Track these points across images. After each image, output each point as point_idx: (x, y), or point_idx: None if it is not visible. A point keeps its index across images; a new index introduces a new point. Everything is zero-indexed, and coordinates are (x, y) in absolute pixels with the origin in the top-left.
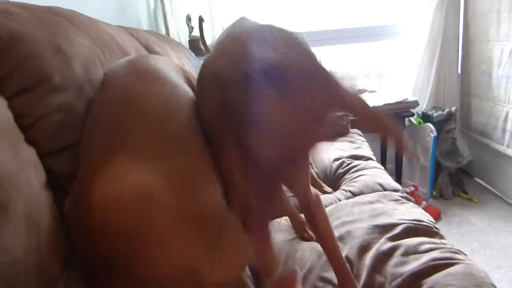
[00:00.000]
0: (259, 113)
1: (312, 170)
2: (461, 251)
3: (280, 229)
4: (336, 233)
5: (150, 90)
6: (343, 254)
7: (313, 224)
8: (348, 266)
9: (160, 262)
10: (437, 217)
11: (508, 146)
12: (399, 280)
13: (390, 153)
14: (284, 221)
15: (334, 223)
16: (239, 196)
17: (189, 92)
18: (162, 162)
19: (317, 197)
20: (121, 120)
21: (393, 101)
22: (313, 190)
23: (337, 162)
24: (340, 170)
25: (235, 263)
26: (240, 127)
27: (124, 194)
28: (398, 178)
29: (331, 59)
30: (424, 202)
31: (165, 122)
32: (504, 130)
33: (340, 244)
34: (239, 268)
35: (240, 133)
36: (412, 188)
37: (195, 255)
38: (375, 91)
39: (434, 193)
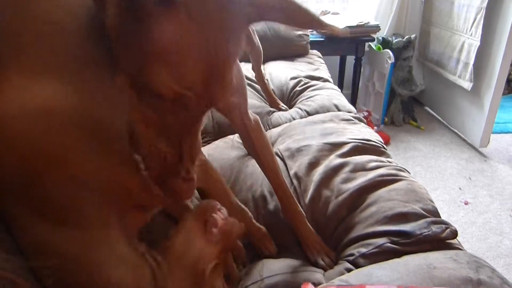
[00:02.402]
0: (160, 37)
1: (269, 87)
2: (405, 169)
3: (233, 146)
4: (287, 151)
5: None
6: (292, 172)
7: (253, 151)
8: (292, 190)
9: (66, 179)
10: (386, 142)
11: (459, 76)
12: (345, 194)
13: (347, 78)
14: (236, 138)
15: (285, 141)
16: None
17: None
18: (63, 75)
19: (257, 123)
20: (12, 29)
21: (354, 24)
22: (252, 115)
23: (295, 81)
24: (297, 88)
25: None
26: (135, 54)
27: (23, 112)
28: (353, 103)
29: None
30: (375, 128)
31: (65, 32)
32: (458, 60)
33: (289, 162)
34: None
35: (136, 64)
36: (366, 113)
37: (104, 167)
38: (338, 14)
39: (386, 119)
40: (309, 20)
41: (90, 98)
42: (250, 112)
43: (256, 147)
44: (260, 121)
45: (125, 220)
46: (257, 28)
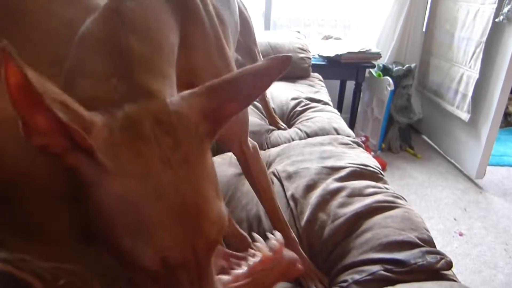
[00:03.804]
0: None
1: (269, 105)
2: (402, 197)
3: (231, 163)
4: (284, 172)
5: (45, 7)
6: (289, 193)
7: (250, 177)
8: (284, 217)
9: (46, 190)
10: (382, 169)
11: (457, 107)
12: (341, 219)
13: (347, 103)
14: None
15: (283, 162)
16: None
17: None
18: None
19: (255, 149)
20: (4, 36)
21: (356, 50)
22: (251, 142)
23: (295, 101)
24: (298, 109)
25: None
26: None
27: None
28: (351, 127)
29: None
30: (372, 153)
31: (59, 42)
32: (456, 91)
33: (286, 183)
34: None
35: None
36: (363, 139)
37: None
38: (340, 39)
39: (383, 145)
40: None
41: None
42: (249, 139)
43: (253, 173)
44: (258, 148)
45: None
46: (261, 49)
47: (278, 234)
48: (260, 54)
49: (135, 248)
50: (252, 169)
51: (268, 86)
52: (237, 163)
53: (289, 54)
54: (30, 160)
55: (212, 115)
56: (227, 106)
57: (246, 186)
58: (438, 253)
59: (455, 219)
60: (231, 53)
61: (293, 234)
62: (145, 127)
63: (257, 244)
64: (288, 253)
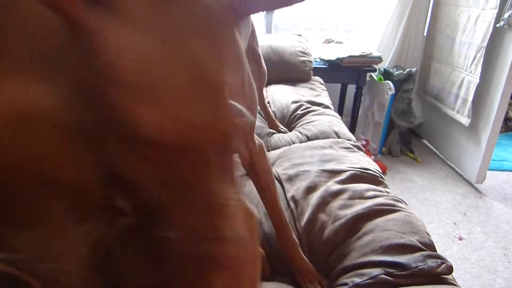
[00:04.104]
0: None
1: (269, 109)
2: (403, 200)
3: None
4: (285, 174)
5: None
6: (289, 195)
7: (254, 175)
8: (287, 217)
9: (50, 184)
10: (382, 172)
11: (458, 111)
12: (342, 220)
13: (347, 106)
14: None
15: (284, 164)
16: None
17: None
18: (38, 76)
19: (261, 147)
20: None
21: (357, 54)
22: (257, 140)
23: (296, 104)
24: (299, 112)
25: None
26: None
27: (5, 114)
28: (351, 131)
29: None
30: (372, 157)
31: (49, 30)
32: (457, 96)
33: (287, 185)
34: None
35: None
36: (364, 142)
37: (88, 174)
38: (341, 43)
39: (384, 149)
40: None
41: (72, 98)
42: (255, 136)
43: (258, 171)
44: (264, 146)
45: None
46: (262, 52)
47: None
48: (262, 57)
49: (135, 112)
50: (257, 166)
51: None
52: (239, 165)
53: None
54: (37, 148)
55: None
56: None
57: (247, 187)
58: (439, 257)
59: (454, 224)
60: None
61: (294, 236)
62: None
63: None
64: None
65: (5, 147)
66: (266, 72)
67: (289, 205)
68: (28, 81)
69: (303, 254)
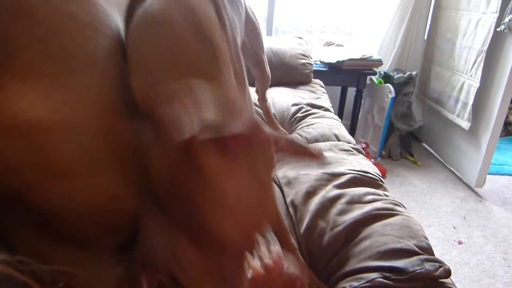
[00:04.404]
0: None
1: (270, 111)
2: (401, 204)
3: None
4: (284, 178)
5: (49, 1)
6: (289, 199)
7: None
8: (285, 223)
9: (64, 196)
10: (382, 176)
11: (458, 115)
12: (340, 227)
13: (348, 109)
14: None
15: (283, 167)
16: None
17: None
18: (59, 85)
19: None
20: (9, 34)
21: (358, 57)
22: None
23: (296, 107)
24: (299, 115)
25: None
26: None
27: (16, 125)
28: (351, 134)
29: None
30: (372, 160)
31: (65, 37)
32: (457, 100)
33: (286, 189)
34: None
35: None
36: (364, 145)
37: (102, 185)
38: (342, 46)
39: (383, 152)
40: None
41: (90, 106)
42: None
43: None
44: None
45: (112, 240)
46: None
47: (277, 249)
48: (266, 62)
49: (221, 222)
50: None
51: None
52: None
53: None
54: (59, 158)
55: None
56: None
57: None
58: (437, 261)
59: (454, 227)
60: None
61: (293, 241)
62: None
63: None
64: (288, 271)
65: (26, 153)
66: (270, 76)
67: (288, 211)
68: (49, 86)
69: (302, 259)
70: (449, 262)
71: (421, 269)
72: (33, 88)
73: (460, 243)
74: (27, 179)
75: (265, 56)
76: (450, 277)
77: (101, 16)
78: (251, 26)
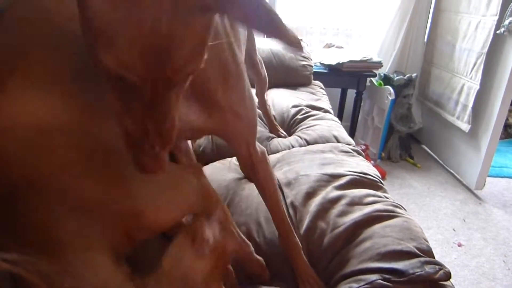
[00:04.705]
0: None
1: (270, 113)
2: (402, 206)
3: (230, 168)
4: (284, 179)
5: (65, 10)
6: (289, 200)
7: (256, 181)
8: (289, 221)
9: (62, 198)
10: (382, 177)
11: (458, 117)
12: (340, 228)
13: (347, 111)
14: (234, 160)
15: (283, 168)
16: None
17: None
18: (63, 89)
19: (264, 155)
20: (20, 39)
21: (358, 59)
22: (259, 147)
23: (296, 109)
24: (298, 116)
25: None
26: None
27: (17, 127)
28: (351, 135)
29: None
30: (372, 162)
31: (74, 45)
32: (457, 102)
33: (286, 190)
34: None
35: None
36: (363, 147)
37: (101, 189)
38: (342, 47)
39: (383, 154)
40: (273, 26)
41: (91, 114)
42: (257, 143)
43: (261, 179)
44: (266, 153)
45: (112, 242)
46: (263, 56)
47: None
48: (262, 63)
49: (103, 56)
50: (259, 173)
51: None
52: (237, 168)
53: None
54: (53, 162)
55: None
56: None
57: (246, 191)
58: (437, 263)
59: (454, 230)
60: (242, 55)
61: (297, 239)
62: None
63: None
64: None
65: (21, 156)
66: (267, 77)
67: (288, 212)
68: (52, 93)
69: (305, 258)
70: (448, 265)
71: (421, 271)
72: (36, 94)
73: (459, 245)
74: (25, 177)
75: (260, 57)
76: (450, 279)
77: None
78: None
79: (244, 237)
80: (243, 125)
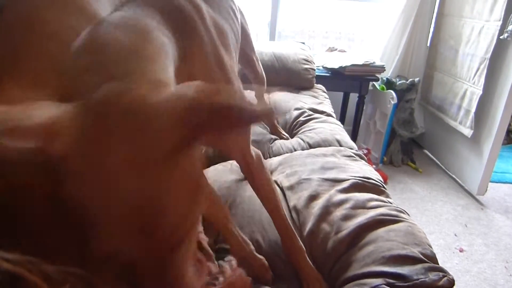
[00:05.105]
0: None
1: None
2: (405, 211)
3: (232, 170)
4: (287, 182)
5: (60, 17)
6: (291, 204)
7: (255, 187)
8: (291, 225)
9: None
10: (384, 182)
11: (460, 122)
12: (344, 232)
13: (349, 115)
14: (235, 162)
15: (285, 171)
16: None
17: None
18: (61, 96)
19: (259, 158)
20: (20, 44)
21: (360, 63)
22: (254, 151)
23: (298, 111)
24: (301, 119)
25: None
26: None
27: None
28: (353, 139)
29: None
30: (373, 166)
31: (69, 51)
32: (459, 107)
33: (289, 193)
34: None
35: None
36: (365, 151)
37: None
38: (345, 51)
39: (385, 158)
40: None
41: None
42: (252, 148)
43: (258, 184)
44: (261, 157)
45: None
46: (265, 59)
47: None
48: (259, 61)
49: (93, 242)
50: (256, 179)
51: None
52: (239, 170)
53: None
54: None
55: (195, 125)
56: (209, 128)
57: (248, 192)
58: (441, 270)
59: (455, 235)
60: (234, 62)
61: (300, 243)
62: (114, 121)
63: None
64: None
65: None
66: (264, 76)
67: (291, 216)
68: (49, 96)
69: (309, 261)
70: (450, 270)
71: (425, 278)
72: (35, 96)
73: (461, 251)
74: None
75: (257, 55)
76: (453, 287)
77: None
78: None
79: (244, 237)
80: (236, 137)
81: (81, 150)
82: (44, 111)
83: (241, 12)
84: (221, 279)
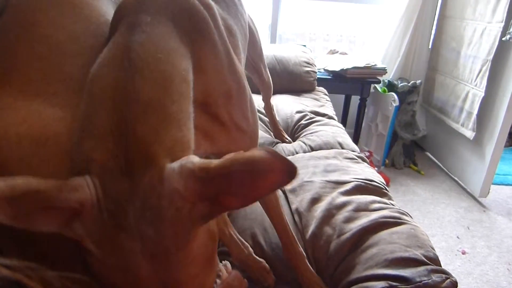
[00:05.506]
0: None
1: (276, 118)
2: (407, 213)
3: None
4: (289, 185)
5: (54, 19)
6: (294, 207)
7: None
8: (292, 230)
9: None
10: (386, 185)
11: (462, 125)
12: (347, 235)
13: (351, 117)
14: None
15: None
16: None
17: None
18: (54, 103)
19: None
20: (11, 49)
21: (362, 65)
22: None
23: (300, 114)
24: (303, 122)
25: None
26: None
27: (10, 136)
28: (355, 142)
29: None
30: (375, 168)
31: (65, 58)
32: (461, 109)
33: (291, 196)
34: None
35: None
36: (367, 154)
37: None
38: (346, 54)
39: (387, 161)
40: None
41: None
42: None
43: None
44: None
45: None
46: (266, 62)
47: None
48: (267, 69)
49: None
50: None
51: (268, 192)
52: None
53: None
54: (46, 172)
55: (209, 201)
56: (224, 198)
57: None
58: (444, 272)
59: (458, 237)
60: (242, 64)
61: (301, 249)
62: (129, 217)
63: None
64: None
65: (12, 165)
66: (271, 81)
67: (294, 218)
68: (43, 103)
69: (309, 266)
70: (452, 272)
71: (428, 279)
72: (27, 103)
73: (463, 253)
74: None
75: (265, 62)
76: None
77: (106, 38)
78: (250, 35)
79: (242, 239)
80: (246, 140)
81: (99, 239)
82: (72, 194)
83: (250, 18)
84: (218, 281)
